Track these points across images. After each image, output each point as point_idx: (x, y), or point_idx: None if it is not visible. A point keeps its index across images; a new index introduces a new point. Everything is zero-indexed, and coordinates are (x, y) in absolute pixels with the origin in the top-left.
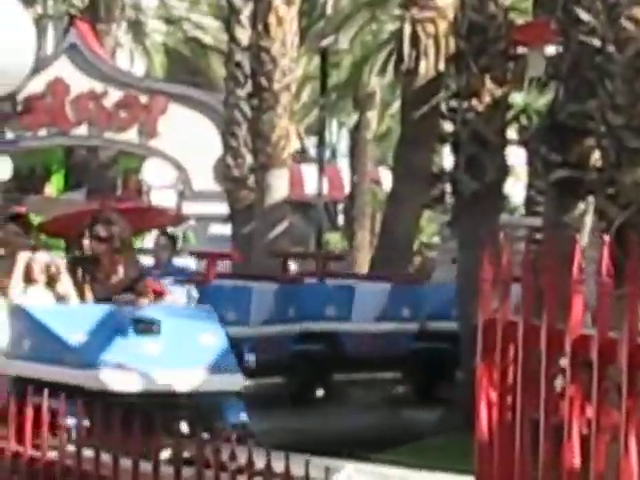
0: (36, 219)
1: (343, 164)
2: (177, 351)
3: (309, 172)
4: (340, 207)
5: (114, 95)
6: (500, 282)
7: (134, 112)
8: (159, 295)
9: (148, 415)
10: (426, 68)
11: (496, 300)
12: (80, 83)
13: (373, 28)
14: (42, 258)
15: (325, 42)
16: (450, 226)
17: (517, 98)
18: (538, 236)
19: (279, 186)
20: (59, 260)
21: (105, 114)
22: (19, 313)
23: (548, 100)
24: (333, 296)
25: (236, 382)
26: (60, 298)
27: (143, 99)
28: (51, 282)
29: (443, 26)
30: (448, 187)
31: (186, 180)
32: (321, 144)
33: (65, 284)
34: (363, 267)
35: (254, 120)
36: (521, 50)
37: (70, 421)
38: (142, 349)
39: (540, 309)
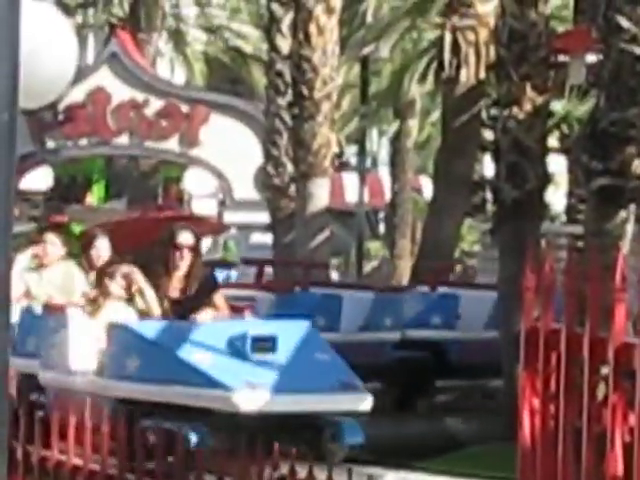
0: (77, 228)
1: (384, 172)
2: (299, 370)
3: (350, 180)
4: (381, 215)
5: (155, 104)
6: (542, 290)
7: (175, 121)
8: (237, 310)
9: (269, 436)
10: (467, 76)
11: (538, 308)
12: (121, 92)
13: (413, 36)
14: (122, 270)
15: (365, 50)
16: (491, 234)
17: (558, 106)
18: (579, 244)
19: (320, 195)
20: (137, 272)
21: (146, 123)
22: (120, 331)
23: (589, 108)
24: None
25: (364, 401)
26: (142, 313)
27: (184, 108)
28: (132, 296)
29: (484, 34)
30: (489, 195)
31: (227, 189)
32: (362, 152)
33: (147, 298)
34: (404, 276)
35: (295, 129)
36: (562, 58)
37: (192, 443)
38: (265, 368)
39: (582, 317)
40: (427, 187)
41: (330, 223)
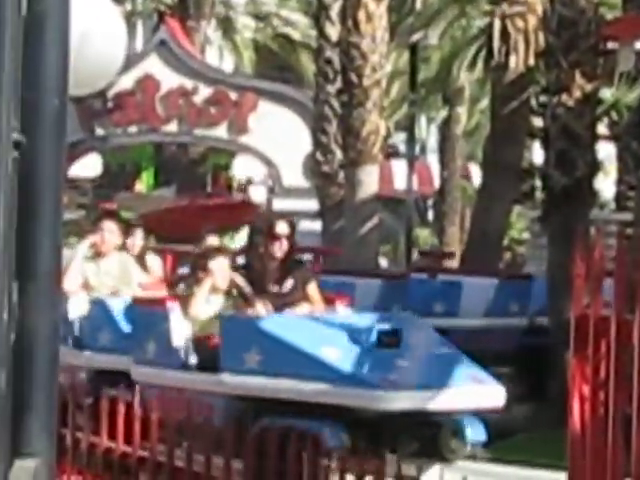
0: (126, 215)
1: (432, 160)
2: (430, 365)
3: (399, 168)
4: (430, 203)
5: (204, 91)
6: (592, 277)
7: (224, 108)
8: (330, 302)
9: (392, 434)
10: (516, 63)
11: (588, 295)
12: (170, 80)
13: (462, 24)
14: (224, 264)
15: (414, 38)
16: (540, 222)
17: (607, 93)
18: (629, 231)
19: (369, 182)
20: (228, 264)
21: (195, 110)
22: (234, 324)
23: (638, 95)
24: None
25: (498, 395)
26: (239, 307)
27: (233, 95)
28: (230, 290)
29: (533, 21)
30: (538, 182)
31: (276, 176)
32: (411, 140)
33: (244, 292)
34: (453, 263)
35: (344, 116)
36: (611, 45)
37: (331, 443)
38: (396, 363)
39: (632, 304)
40: (476, 174)
41: (379, 210)
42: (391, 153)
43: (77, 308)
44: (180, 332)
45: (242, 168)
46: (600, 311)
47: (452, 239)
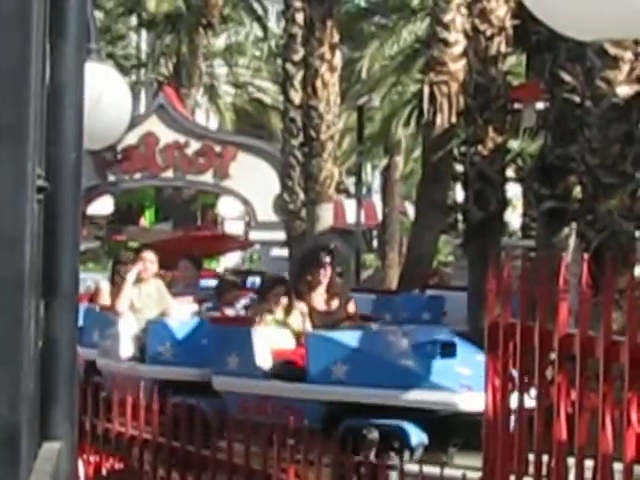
0: (133, 244)
1: (376, 198)
2: (480, 371)
3: (349, 205)
4: (374, 233)
5: (194, 145)
6: (502, 292)
7: (210, 159)
8: (366, 319)
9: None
10: (441, 121)
11: (499, 306)
12: (167, 136)
13: (399, 89)
14: (276, 291)
15: (361, 101)
16: (462, 247)
17: (514, 144)
18: (532, 255)
19: (326, 217)
20: (285, 292)
21: (187, 160)
22: (318, 340)
23: (539, 145)
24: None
25: None
26: (297, 333)
27: (217, 148)
28: (287, 315)
29: (455, 87)
30: (460, 216)
31: (252, 213)
32: (358, 182)
33: (299, 315)
34: (393, 281)
35: (305, 164)
36: (517, 105)
37: (414, 441)
38: (461, 370)
39: (534, 313)
40: (411, 210)
41: (334, 239)
42: (343, 193)
43: (128, 327)
44: (262, 347)
45: (225, 206)
46: (508, 319)
47: (392, 262)
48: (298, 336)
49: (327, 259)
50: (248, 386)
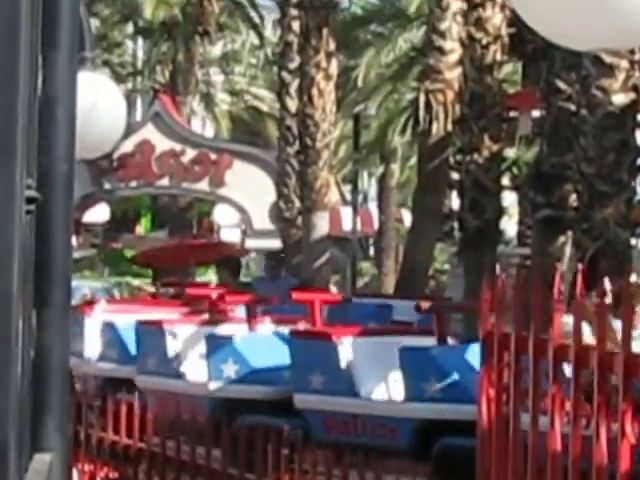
0: (129, 253)
1: (372, 206)
2: None
3: (346, 213)
4: (371, 241)
5: (190, 153)
6: (496, 301)
7: (206, 167)
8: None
9: None
10: (437, 129)
11: (493, 315)
12: (163, 144)
13: (395, 97)
14: None
15: (357, 109)
16: (458, 255)
17: (510, 152)
18: (527, 263)
19: (321, 225)
20: None
21: (183, 168)
22: (413, 356)
23: (534, 154)
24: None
25: None
26: None
27: (213, 156)
28: None
29: (450, 95)
30: (456, 224)
31: (248, 221)
32: (355, 190)
33: None
34: (389, 289)
35: (301, 172)
36: (513, 114)
37: None
38: None
39: (528, 323)
40: (407, 218)
41: (330, 247)
42: (339, 201)
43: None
44: (346, 363)
45: (221, 214)
46: (503, 329)
47: (389, 270)
48: None
49: None
50: (331, 404)
